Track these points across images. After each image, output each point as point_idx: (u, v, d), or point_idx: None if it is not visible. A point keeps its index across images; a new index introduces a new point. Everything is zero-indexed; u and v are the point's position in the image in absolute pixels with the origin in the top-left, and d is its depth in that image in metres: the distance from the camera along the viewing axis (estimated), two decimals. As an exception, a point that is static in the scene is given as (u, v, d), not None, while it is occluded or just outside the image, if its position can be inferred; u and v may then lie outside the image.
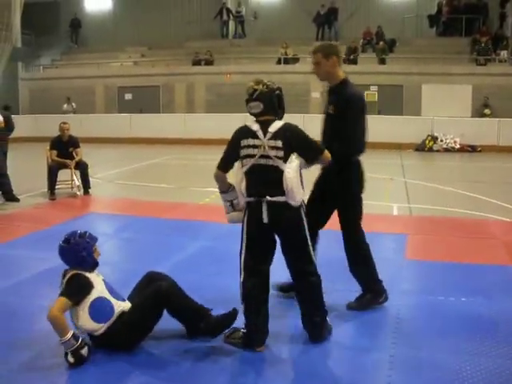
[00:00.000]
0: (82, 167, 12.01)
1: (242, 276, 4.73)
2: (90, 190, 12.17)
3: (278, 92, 4.75)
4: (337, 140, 5.30)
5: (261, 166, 4.60)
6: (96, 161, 17.24)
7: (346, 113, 5.30)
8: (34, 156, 14.17)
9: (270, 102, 4.67)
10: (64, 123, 12.22)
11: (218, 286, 6.23)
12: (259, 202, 4.59)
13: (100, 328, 4.59)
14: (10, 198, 11.19)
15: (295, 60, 27.51)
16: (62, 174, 12.07)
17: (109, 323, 4.62)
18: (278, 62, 27.23)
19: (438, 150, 21.69)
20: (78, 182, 12.10)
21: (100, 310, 4.59)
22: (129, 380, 4.37)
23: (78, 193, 12.06)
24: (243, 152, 4.66)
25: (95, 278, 4.73)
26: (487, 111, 23.45)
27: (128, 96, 28.04)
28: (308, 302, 4.85)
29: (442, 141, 21.94)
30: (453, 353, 4.68)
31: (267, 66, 26.92)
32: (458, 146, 21.57)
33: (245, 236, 4.73)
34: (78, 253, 4.68)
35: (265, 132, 4.60)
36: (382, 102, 25.12)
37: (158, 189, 13.29)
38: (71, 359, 4.39)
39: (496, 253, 7.74)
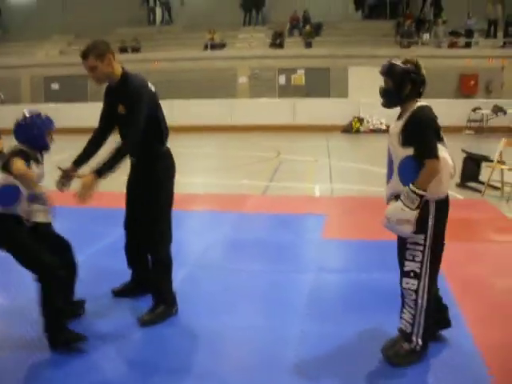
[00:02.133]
0: (2, 158, 11.82)
1: (426, 284, 4.23)
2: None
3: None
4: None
5: None
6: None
7: (139, 106, 4.84)
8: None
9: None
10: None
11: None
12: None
13: None
14: None
15: (222, 46, 27.54)
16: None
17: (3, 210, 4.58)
18: (205, 47, 27.21)
19: (364, 132, 22.12)
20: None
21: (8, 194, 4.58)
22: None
23: None
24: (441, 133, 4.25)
25: (35, 168, 4.68)
26: (412, 91, 23.92)
27: (55, 86, 27.59)
28: None
29: (368, 122, 22.37)
30: (358, 325, 4.88)
31: (195, 52, 26.91)
32: (384, 127, 22.00)
33: (430, 241, 4.21)
34: (30, 130, 4.70)
35: None
36: (309, 85, 25.46)
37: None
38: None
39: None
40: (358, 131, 22.29)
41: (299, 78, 26.00)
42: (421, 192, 4.04)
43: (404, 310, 4.30)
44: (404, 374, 4.12)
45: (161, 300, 5.17)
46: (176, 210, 8.21)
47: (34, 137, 4.71)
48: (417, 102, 4.28)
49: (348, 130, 22.52)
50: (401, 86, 4.26)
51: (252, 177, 12.66)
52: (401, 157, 4.21)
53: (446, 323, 4.63)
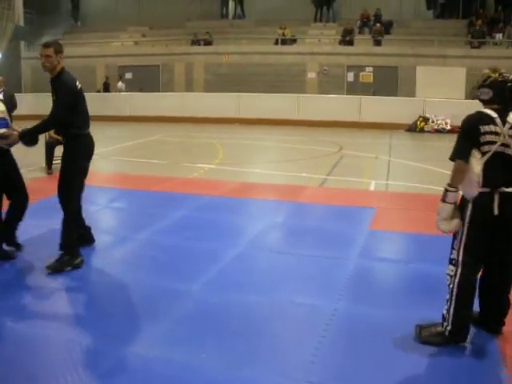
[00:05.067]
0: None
1: (459, 270, 4.52)
2: (85, 165, 12.73)
3: (510, 84, 4.60)
4: None
5: (500, 155, 4.47)
6: (95, 138, 17.82)
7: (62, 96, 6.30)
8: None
9: (500, 92, 4.58)
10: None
11: (190, 247, 7.08)
12: (491, 192, 4.44)
13: None
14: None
15: (293, 41, 27.91)
16: (59, 150, 12.62)
17: None
18: (276, 42, 27.62)
19: (428, 131, 22.13)
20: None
21: None
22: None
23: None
24: (483, 138, 4.46)
25: None
26: (480, 94, 23.73)
27: (128, 75, 28.51)
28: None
29: (433, 122, 22.38)
30: (391, 309, 5.28)
31: (265, 46, 27.37)
32: (448, 128, 21.96)
33: (466, 231, 4.52)
34: None
35: (503, 121, 4.50)
36: (377, 82, 25.59)
37: (151, 164, 13.86)
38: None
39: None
40: (422, 130, 22.29)
41: (368, 75, 26.15)
42: (449, 188, 4.51)
43: (446, 295, 4.61)
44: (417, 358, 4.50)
45: (66, 251, 6.30)
46: (236, 196, 8.84)
47: None
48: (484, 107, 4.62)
49: (412, 128, 22.55)
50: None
51: (312, 170, 13.08)
52: None
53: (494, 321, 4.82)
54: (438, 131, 21.96)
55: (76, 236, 6.43)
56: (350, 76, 26.48)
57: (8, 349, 4.43)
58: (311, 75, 26.64)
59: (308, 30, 29.25)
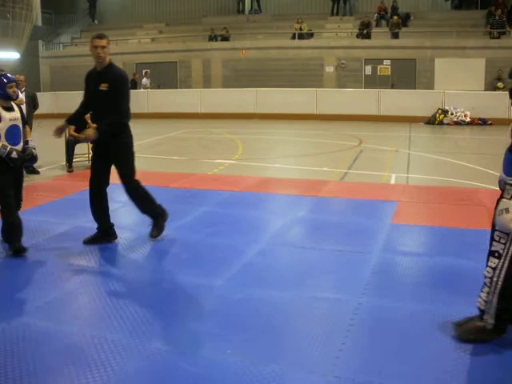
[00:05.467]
0: (97, 141, 12.61)
1: (507, 264, 4.36)
2: (105, 163, 12.79)
3: None
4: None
5: None
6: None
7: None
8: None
9: None
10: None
11: (212, 243, 7.11)
12: None
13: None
14: (31, 170, 11.83)
15: (310, 35, 27.85)
16: (79, 148, 12.72)
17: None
18: (293, 37, 27.59)
19: (448, 124, 22.00)
20: (93, 155, 12.68)
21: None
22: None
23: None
24: None
25: (5, 114, 6.53)
26: (500, 84, 23.63)
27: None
28: None
29: (452, 114, 22.25)
30: (415, 302, 5.26)
31: (282, 41, 27.38)
32: (468, 120, 21.84)
33: None
34: None
35: None
36: (395, 75, 25.50)
37: (170, 161, 13.91)
38: (8, 161, 6.56)
39: (479, 218, 8.19)
40: (441, 123, 22.17)
41: (385, 68, 26.05)
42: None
43: (482, 289, 4.45)
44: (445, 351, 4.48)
45: (155, 216, 7.25)
46: (257, 192, 8.86)
47: None
48: None
49: (431, 121, 22.44)
50: None
51: (332, 164, 13.06)
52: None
53: None
54: (458, 123, 21.84)
55: (152, 200, 7.22)
56: (368, 69, 26.42)
57: (33, 346, 4.45)
58: (329, 69, 26.60)
59: (325, 23, 29.18)
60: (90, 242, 7.07)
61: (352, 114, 23.16)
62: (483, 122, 21.66)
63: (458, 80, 23.63)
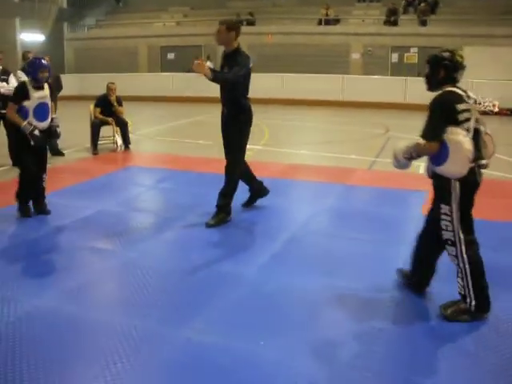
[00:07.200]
0: (122, 124, 12.53)
1: (464, 249, 4.68)
2: (130, 146, 12.72)
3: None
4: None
5: (476, 130, 4.80)
6: (139, 119, 17.90)
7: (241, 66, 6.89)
8: (79, 114, 14.68)
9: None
10: (112, 83, 12.65)
11: (242, 230, 7.21)
12: (474, 167, 4.64)
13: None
14: (56, 152, 11.76)
15: (336, 21, 27.56)
16: (104, 131, 12.64)
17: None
18: (319, 23, 27.31)
19: (475, 113, 21.64)
20: (119, 138, 12.61)
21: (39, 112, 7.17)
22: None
23: (119, 148, 12.58)
24: (462, 116, 4.73)
25: (34, 93, 7.10)
26: (529, 74, 23.23)
27: (171, 55, 28.49)
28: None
29: (479, 104, 21.82)
30: (450, 293, 5.11)
31: (308, 26, 27.09)
32: (496, 110, 21.40)
33: (458, 211, 4.68)
34: (29, 67, 7.25)
35: (468, 96, 4.99)
36: (422, 64, 25.02)
37: (196, 145, 13.79)
38: (31, 138, 7.05)
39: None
40: (469, 112, 21.81)
41: (412, 56, 25.72)
42: (406, 155, 5.04)
43: (458, 275, 4.73)
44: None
45: (221, 210, 7.27)
46: (285, 178, 8.73)
47: (29, 72, 7.21)
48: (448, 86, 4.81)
49: (459, 110, 22.07)
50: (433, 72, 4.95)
51: (360, 152, 12.85)
52: None
53: None
54: (485, 113, 21.27)
55: (232, 198, 7.38)
56: (395, 57, 26.08)
57: (64, 333, 4.37)
58: (355, 56, 26.30)
59: (352, 10, 28.84)
60: (247, 204, 7.98)
61: (378, 101, 22.86)
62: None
63: (487, 69, 23.22)
